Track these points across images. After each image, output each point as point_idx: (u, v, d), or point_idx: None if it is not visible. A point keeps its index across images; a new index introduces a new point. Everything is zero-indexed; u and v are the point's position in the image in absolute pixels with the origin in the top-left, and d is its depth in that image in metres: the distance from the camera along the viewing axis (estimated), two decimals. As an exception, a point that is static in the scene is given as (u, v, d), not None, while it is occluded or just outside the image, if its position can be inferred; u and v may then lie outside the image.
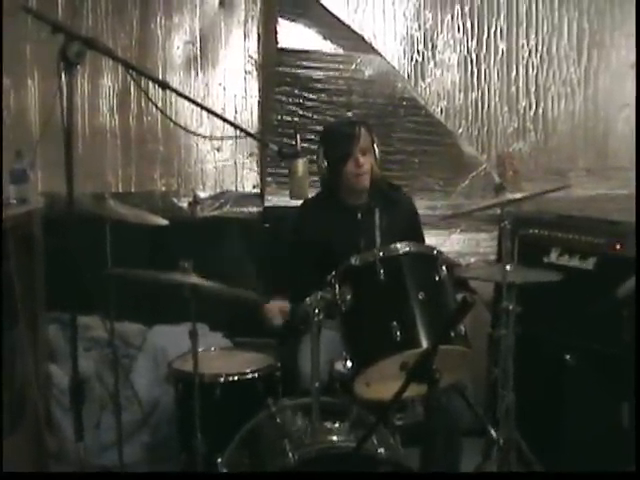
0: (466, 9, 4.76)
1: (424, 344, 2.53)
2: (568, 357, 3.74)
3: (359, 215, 3.53)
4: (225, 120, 2.81)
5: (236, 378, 3.27)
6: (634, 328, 3.42)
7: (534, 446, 3.55)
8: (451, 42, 4.79)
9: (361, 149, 3.47)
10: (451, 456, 3.29)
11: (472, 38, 4.79)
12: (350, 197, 3.57)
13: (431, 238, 4.09)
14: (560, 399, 3.74)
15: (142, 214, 3.59)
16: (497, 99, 4.86)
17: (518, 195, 3.40)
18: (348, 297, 2.67)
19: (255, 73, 4.72)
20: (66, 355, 3.97)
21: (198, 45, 4.68)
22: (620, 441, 3.46)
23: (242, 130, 2.77)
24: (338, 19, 4.64)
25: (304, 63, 4.64)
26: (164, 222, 3.55)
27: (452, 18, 4.76)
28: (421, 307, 2.62)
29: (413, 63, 4.76)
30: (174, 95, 4.51)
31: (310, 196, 3.23)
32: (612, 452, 3.47)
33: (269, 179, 4.70)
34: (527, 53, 4.84)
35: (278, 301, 3.46)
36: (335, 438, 2.72)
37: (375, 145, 3.53)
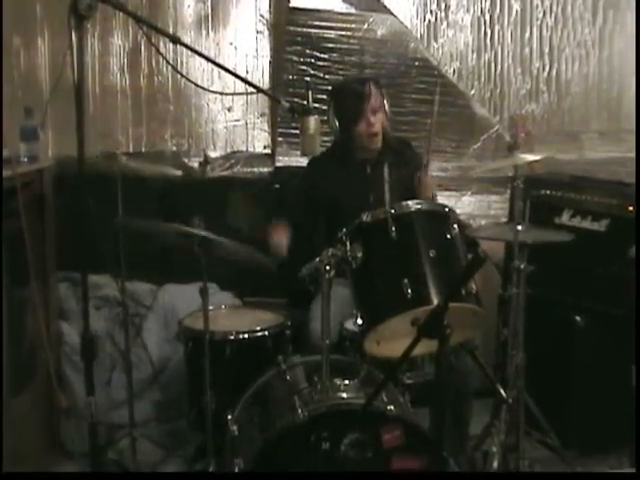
0: (480, -32, 4.72)
1: (435, 301, 2.52)
2: (578, 319, 3.73)
3: (368, 170, 3.53)
4: (236, 76, 2.79)
5: (246, 336, 3.30)
6: (635, 293, 3.42)
7: (543, 406, 3.55)
8: (464, 2, 4.76)
9: (372, 108, 3.45)
10: (460, 416, 3.30)
11: (486, -2, 4.76)
12: (360, 153, 3.55)
13: (442, 200, 4.08)
14: (569, 360, 3.74)
15: (154, 167, 3.57)
16: (510, 60, 4.83)
17: (531, 157, 3.38)
18: (359, 254, 2.65)
19: (266, 32, 4.69)
20: (77, 313, 3.99)
21: (209, 4, 4.65)
22: (628, 402, 3.46)
23: (253, 86, 2.75)
24: (350, -23, 4.61)
25: (316, 22, 4.61)
26: (177, 172, 3.52)
27: (466, -22, 4.72)
28: (432, 265, 2.60)
29: (426, 23, 4.73)
30: (185, 55, 4.52)
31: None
32: (620, 412, 3.47)
33: (280, 139, 4.68)
34: (541, 14, 4.80)
35: (280, 225, 3.49)
36: (344, 395, 2.73)
37: (385, 102, 3.50)
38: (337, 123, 3.47)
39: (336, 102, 3.52)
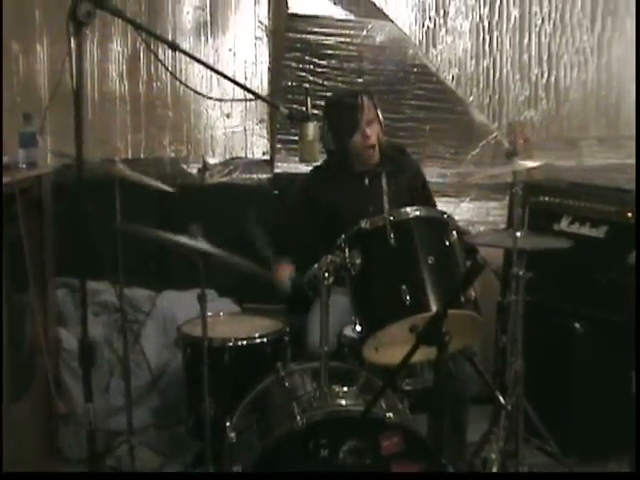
0: (479, -25, 4.73)
1: (433, 308, 2.53)
2: (577, 325, 3.73)
3: (366, 180, 3.52)
4: (235, 82, 2.78)
5: (245, 342, 3.29)
6: (635, 300, 3.41)
7: (542, 413, 3.55)
8: (463, 9, 4.75)
9: (367, 121, 3.43)
10: (459, 422, 3.30)
11: (484, 5, 4.75)
12: (358, 166, 3.55)
13: (441, 206, 4.07)
14: (568, 367, 3.74)
15: (149, 180, 3.58)
16: (509, 67, 4.83)
17: (530, 163, 3.38)
18: (358, 261, 2.66)
19: (265, 39, 4.70)
20: (75, 319, 3.99)
21: (208, 10, 4.65)
22: (628, 409, 3.45)
23: (252, 93, 2.75)
24: (349, -16, 4.62)
25: (315, 29, 4.61)
26: (170, 189, 3.54)
27: (464, -16, 4.73)
28: (431, 271, 2.61)
29: (424, 30, 4.73)
30: (184, 62, 4.53)
31: (319, 161, 3.23)
32: (620, 419, 3.46)
33: (279, 145, 4.69)
34: (540, 20, 4.80)
35: (284, 265, 3.48)
36: (343, 402, 2.72)
37: (378, 112, 3.49)
38: (333, 138, 3.45)
39: (330, 118, 3.47)
